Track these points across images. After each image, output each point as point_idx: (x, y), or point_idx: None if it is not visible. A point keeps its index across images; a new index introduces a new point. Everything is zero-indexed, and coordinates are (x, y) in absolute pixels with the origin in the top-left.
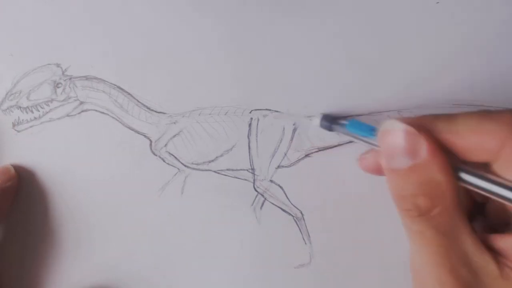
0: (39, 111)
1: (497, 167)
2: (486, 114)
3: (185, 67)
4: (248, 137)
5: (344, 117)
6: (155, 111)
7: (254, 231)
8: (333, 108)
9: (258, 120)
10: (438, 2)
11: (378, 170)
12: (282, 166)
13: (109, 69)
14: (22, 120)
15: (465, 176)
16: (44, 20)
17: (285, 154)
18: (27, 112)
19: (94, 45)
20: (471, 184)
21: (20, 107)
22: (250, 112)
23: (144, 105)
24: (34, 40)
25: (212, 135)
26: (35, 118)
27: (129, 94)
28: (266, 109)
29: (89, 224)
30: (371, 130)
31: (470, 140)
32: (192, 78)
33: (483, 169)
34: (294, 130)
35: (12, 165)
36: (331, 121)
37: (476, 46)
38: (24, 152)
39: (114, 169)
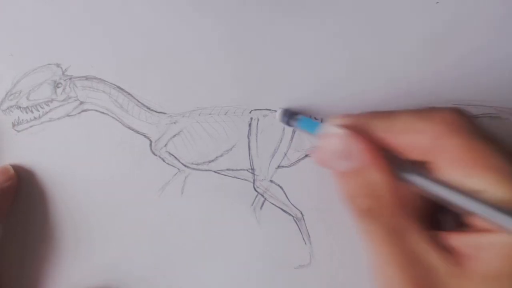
0: (39, 111)
1: (435, 166)
2: (421, 112)
3: (185, 67)
4: (248, 137)
5: (300, 113)
6: (155, 111)
7: (254, 231)
8: (333, 108)
9: (258, 120)
10: (438, 2)
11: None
12: (282, 166)
13: (109, 69)
14: (22, 120)
15: (405, 175)
16: (44, 20)
17: (285, 154)
18: (27, 112)
19: (94, 45)
20: (412, 183)
21: (20, 107)
22: (250, 112)
23: (144, 105)
24: (34, 40)
25: (212, 135)
26: (35, 118)
27: (129, 94)
28: (266, 109)
29: (89, 224)
30: (317, 129)
31: (405, 139)
32: (192, 78)
33: (425, 168)
34: (294, 130)
35: (11, 165)
36: (289, 116)
37: (476, 46)
38: (24, 152)
39: (114, 169)
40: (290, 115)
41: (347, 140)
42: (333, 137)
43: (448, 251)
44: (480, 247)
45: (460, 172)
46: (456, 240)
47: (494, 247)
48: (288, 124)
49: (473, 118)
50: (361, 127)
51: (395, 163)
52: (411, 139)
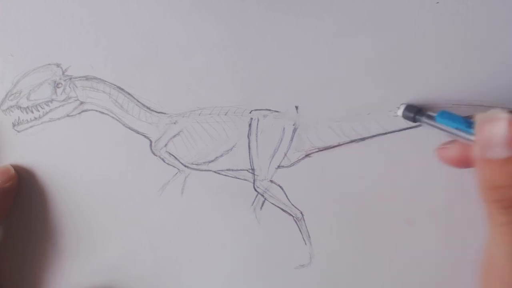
0: (39, 111)
1: None
2: None
3: (185, 67)
4: (248, 137)
5: (429, 108)
6: (155, 111)
7: (254, 231)
8: (332, 107)
9: (258, 120)
10: (438, 2)
11: (458, 162)
12: (282, 166)
13: (109, 69)
14: (22, 120)
15: None
16: (44, 20)
17: (285, 154)
18: (27, 112)
19: (94, 45)
20: None
21: (20, 107)
22: (250, 112)
23: (144, 105)
24: (34, 40)
25: (212, 135)
26: (35, 118)
27: (129, 94)
28: (266, 109)
29: (89, 224)
30: (464, 121)
31: None
32: (192, 78)
33: None
34: (294, 130)
35: (12, 165)
36: (415, 112)
37: (476, 46)
38: (24, 152)
39: (114, 169)
40: (417, 111)
41: None
42: (499, 122)
43: None
44: None
45: None
46: None
47: None
48: (414, 120)
49: None
50: None
51: None
52: None
